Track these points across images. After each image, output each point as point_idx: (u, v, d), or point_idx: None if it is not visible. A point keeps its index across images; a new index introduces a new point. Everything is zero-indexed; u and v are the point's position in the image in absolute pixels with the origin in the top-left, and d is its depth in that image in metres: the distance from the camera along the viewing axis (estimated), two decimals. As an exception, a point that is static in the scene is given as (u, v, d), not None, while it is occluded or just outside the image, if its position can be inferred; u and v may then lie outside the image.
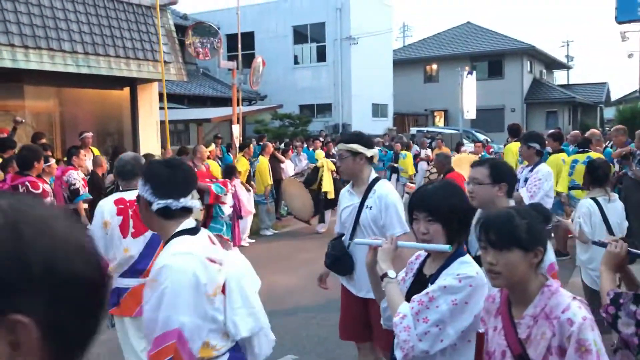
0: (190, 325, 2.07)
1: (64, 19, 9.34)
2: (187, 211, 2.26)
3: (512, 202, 2.94)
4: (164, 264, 2.12)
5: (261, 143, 11.99)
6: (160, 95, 10.90)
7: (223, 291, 2.21)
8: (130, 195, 3.66)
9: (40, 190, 5.42)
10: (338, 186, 9.55)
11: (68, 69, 9.30)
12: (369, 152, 3.60)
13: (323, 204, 10.25)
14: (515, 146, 8.34)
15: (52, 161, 6.62)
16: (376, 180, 3.64)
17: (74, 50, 9.33)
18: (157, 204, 2.19)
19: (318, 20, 26.22)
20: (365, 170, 3.63)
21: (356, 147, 3.56)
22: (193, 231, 2.25)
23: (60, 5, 9.36)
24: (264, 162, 10.78)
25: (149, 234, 3.68)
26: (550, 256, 2.53)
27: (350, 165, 3.60)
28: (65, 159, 8.11)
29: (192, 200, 2.27)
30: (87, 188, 6.96)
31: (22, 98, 10.35)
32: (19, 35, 8.62)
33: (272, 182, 10.67)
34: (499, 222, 1.95)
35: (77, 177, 6.85)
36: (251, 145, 11.61)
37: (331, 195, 9.96)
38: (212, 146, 11.80)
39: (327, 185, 10.09)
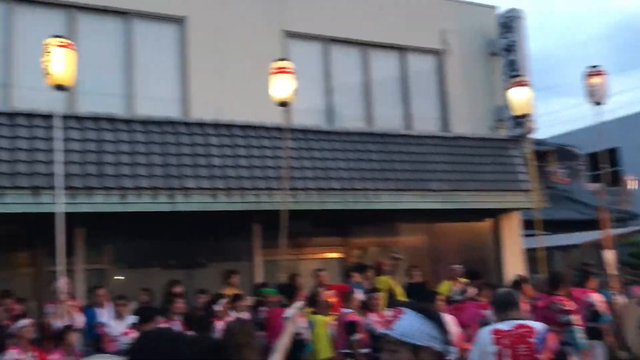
0: None
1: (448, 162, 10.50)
2: None
3: None
4: None
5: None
6: (527, 223, 10.93)
7: None
8: (505, 326, 4.07)
9: (568, 307, 6.51)
10: None
11: (436, 205, 10.17)
12: None
13: None
14: None
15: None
16: None
17: (440, 189, 10.21)
18: (449, 351, 2.09)
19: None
20: None
21: None
22: None
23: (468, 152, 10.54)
24: None
25: None
26: None
27: None
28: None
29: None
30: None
31: (397, 235, 11.58)
32: (401, 180, 9.92)
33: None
34: None
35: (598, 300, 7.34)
36: None
37: None
38: None
39: None
